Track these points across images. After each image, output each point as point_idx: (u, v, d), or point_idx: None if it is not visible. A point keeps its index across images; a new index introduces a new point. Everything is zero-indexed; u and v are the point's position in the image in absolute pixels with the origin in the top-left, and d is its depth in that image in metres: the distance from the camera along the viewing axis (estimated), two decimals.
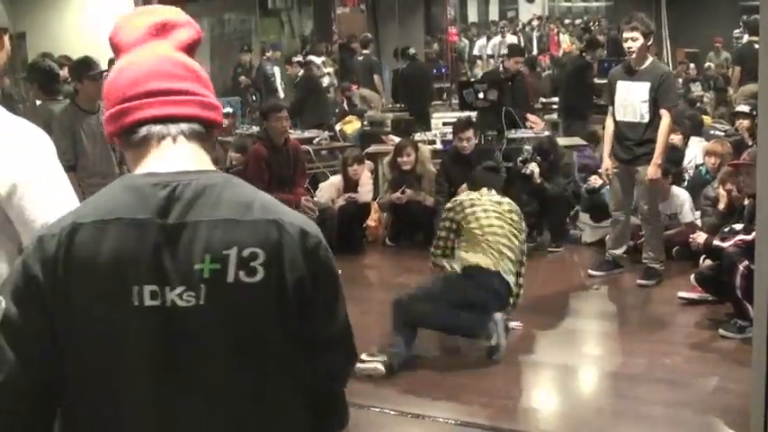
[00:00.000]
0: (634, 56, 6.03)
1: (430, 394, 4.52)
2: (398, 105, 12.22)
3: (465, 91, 8.39)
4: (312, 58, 13.12)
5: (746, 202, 5.50)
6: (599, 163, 6.95)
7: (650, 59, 6.18)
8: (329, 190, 7.74)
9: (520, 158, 7.32)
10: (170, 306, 1.35)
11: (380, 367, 4.61)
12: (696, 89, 12.76)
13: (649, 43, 6.14)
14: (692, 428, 4.16)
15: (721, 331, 5.11)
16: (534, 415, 4.40)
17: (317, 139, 9.23)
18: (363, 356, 4.58)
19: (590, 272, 6.53)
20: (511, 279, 4.96)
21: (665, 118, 5.96)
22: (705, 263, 5.64)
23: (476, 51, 18.29)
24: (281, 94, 12.44)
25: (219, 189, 1.40)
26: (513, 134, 8.03)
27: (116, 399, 1.38)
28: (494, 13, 22.03)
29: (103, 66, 5.74)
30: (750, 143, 7.03)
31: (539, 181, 7.14)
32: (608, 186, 6.66)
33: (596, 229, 7.30)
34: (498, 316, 4.88)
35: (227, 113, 9.98)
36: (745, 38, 12.41)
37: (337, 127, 10.54)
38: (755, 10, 10.89)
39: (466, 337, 4.95)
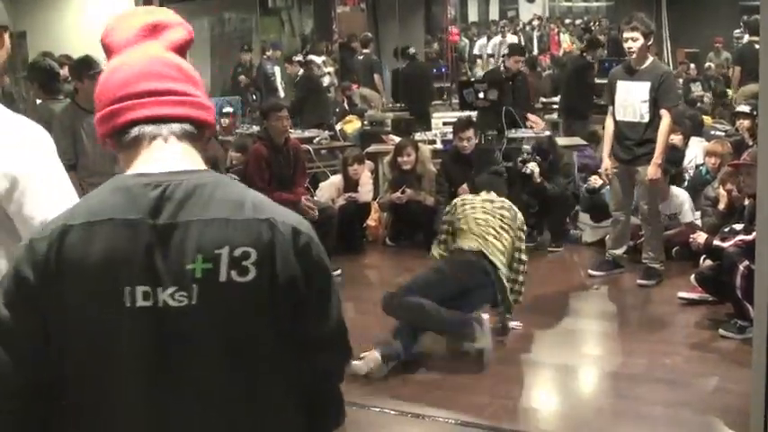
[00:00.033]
0: (634, 56, 6.03)
1: (430, 394, 4.52)
2: (398, 105, 12.22)
3: (465, 90, 8.39)
4: (312, 57, 13.12)
5: (747, 202, 5.50)
6: (599, 163, 6.96)
7: (650, 59, 6.18)
8: (329, 189, 7.73)
9: (520, 159, 7.32)
10: (162, 306, 1.36)
11: (371, 367, 4.60)
12: (696, 89, 12.76)
13: (649, 43, 6.14)
14: (691, 428, 4.16)
15: (721, 331, 5.11)
16: (534, 415, 4.40)
17: (317, 139, 9.23)
18: (362, 356, 4.58)
19: (590, 272, 6.53)
20: (499, 264, 4.93)
21: (666, 118, 5.96)
22: (705, 263, 5.64)
23: (476, 51, 18.28)
24: (282, 94, 12.43)
25: (211, 189, 1.40)
26: (513, 134, 8.03)
27: (109, 399, 1.38)
28: (494, 13, 22.03)
29: (104, 65, 5.74)
30: (750, 143, 7.03)
31: (539, 180, 7.14)
32: (608, 186, 6.66)
33: (596, 229, 7.30)
34: (484, 318, 4.91)
35: (227, 113, 10.01)
36: (746, 38, 12.41)
37: (337, 126, 10.54)
38: (756, 10, 10.90)
39: (451, 333, 4.92)
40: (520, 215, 5.27)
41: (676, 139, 7.39)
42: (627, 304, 6.23)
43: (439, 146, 8.45)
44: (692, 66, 14.64)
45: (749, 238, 4.79)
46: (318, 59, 13.25)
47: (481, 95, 8.13)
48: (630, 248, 6.54)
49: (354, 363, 4.60)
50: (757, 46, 3.28)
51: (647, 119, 6.00)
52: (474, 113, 8.21)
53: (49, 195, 1.88)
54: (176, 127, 1.44)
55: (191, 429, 1.39)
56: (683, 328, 5.50)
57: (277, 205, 1.47)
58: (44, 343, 1.38)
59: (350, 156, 7.77)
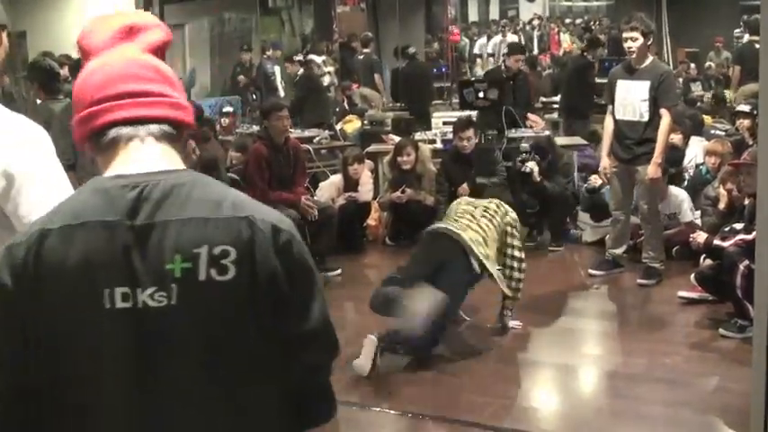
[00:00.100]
0: (634, 55, 6.03)
1: (430, 394, 4.52)
2: (398, 104, 12.21)
3: (465, 90, 8.39)
4: (312, 56, 13.12)
5: (747, 201, 5.50)
6: (599, 162, 6.95)
7: (650, 58, 6.18)
8: (329, 189, 7.73)
9: (519, 159, 7.32)
10: (142, 307, 1.36)
11: (366, 366, 4.61)
12: (696, 89, 12.76)
13: (649, 43, 6.14)
14: (691, 428, 4.16)
15: (721, 331, 5.11)
16: (534, 415, 4.40)
17: (317, 139, 9.22)
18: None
19: (590, 271, 6.53)
20: (465, 236, 4.93)
21: (665, 117, 5.96)
22: (705, 262, 5.64)
23: (476, 50, 18.29)
24: (282, 93, 12.43)
25: (188, 188, 1.40)
26: (513, 133, 8.03)
27: (90, 401, 1.38)
28: (494, 13, 22.04)
29: None
30: (750, 143, 7.02)
31: (538, 179, 7.14)
32: (608, 186, 6.66)
33: (596, 228, 7.30)
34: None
35: (227, 112, 10.02)
36: (746, 37, 12.40)
37: (337, 126, 10.53)
38: (756, 9, 10.90)
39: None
40: (512, 213, 5.25)
41: (676, 138, 7.38)
42: (627, 304, 6.23)
43: (439, 145, 8.44)
44: (693, 65, 14.64)
45: (749, 237, 4.79)
46: (318, 59, 13.26)
47: (481, 95, 8.13)
48: (630, 248, 6.54)
49: (355, 362, 4.61)
50: (757, 45, 3.28)
51: (646, 118, 6.00)
52: (474, 113, 8.21)
53: (47, 195, 1.88)
54: (154, 128, 1.44)
55: (172, 429, 1.39)
56: (683, 327, 5.50)
57: (257, 203, 1.46)
58: (23, 347, 1.38)
59: (350, 155, 7.77)
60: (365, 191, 7.61)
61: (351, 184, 7.61)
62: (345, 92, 12.62)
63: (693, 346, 5.18)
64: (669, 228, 6.66)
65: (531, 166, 7.15)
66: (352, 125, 10.71)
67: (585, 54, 10.81)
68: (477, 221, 5.08)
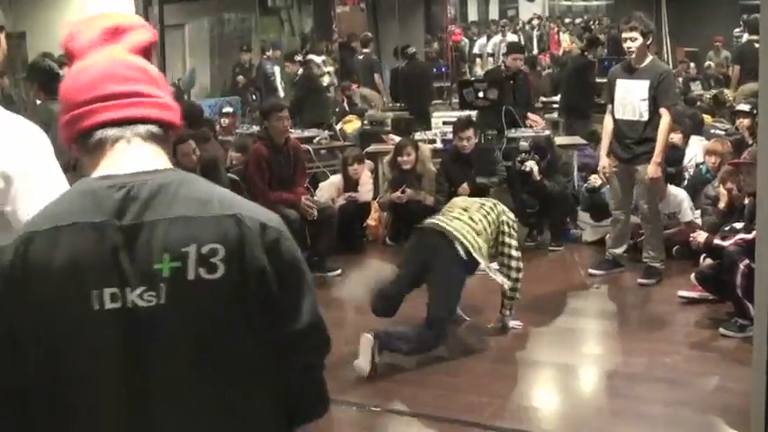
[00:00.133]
0: (633, 55, 6.03)
1: (430, 394, 4.51)
2: (397, 104, 12.21)
3: (465, 90, 8.38)
4: (312, 56, 13.11)
5: (747, 200, 5.50)
6: (599, 162, 6.95)
7: (650, 58, 6.17)
8: (329, 189, 7.73)
9: (518, 158, 7.32)
10: (131, 307, 1.36)
11: (365, 366, 4.61)
12: (696, 88, 12.76)
13: (649, 42, 6.13)
14: (691, 428, 4.16)
15: (722, 330, 5.11)
16: (534, 414, 4.40)
17: (317, 139, 9.22)
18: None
19: (590, 271, 6.53)
20: (463, 233, 4.92)
21: (665, 117, 5.96)
22: (705, 262, 5.64)
23: (476, 50, 18.30)
24: (281, 94, 12.43)
25: (175, 187, 1.40)
26: (513, 133, 8.03)
27: (80, 402, 1.38)
28: (494, 12, 22.06)
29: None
30: (750, 142, 7.02)
31: (538, 178, 7.14)
32: (608, 185, 6.66)
33: (596, 228, 7.29)
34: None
35: (227, 113, 10.01)
36: (745, 36, 12.41)
37: (337, 126, 10.53)
38: (755, 9, 10.90)
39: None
40: (509, 214, 5.23)
41: (676, 137, 7.38)
42: (627, 303, 6.23)
43: (439, 145, 8.44)
44: (692, 64, 14.64)
45: (749, 236, 4.79)
46: (318, 59, 13.24)
47: (481, 95, 8.13)
48: (630, 247, 6.54)
49: (355, 363, 4.61)
50: (757, 45, 3.28)
51: (646, 117, 6.00)
52: (474, 113, 8.21)
53: (45, 195, 1.88)
54: (141, 128, 1.44)
55: (162, 429, 1.39)
56: (684, 326, 5.50)
57: (245, 201, 1.46)
58: (11, 349, 1.38)
59: (350, 155, 7.77)
60: (365, 191, 7.61)
61: (351, 184, 7.61)
62: (345, 92, 12.61)
63: (694, 345, 5.18)
64: (669, 227, 6.66)
65: (531, 165, 7.15)
66: (351, 125, 10.71)
67: (585, 53, 10.80)
68: (470, 214, 5.08)
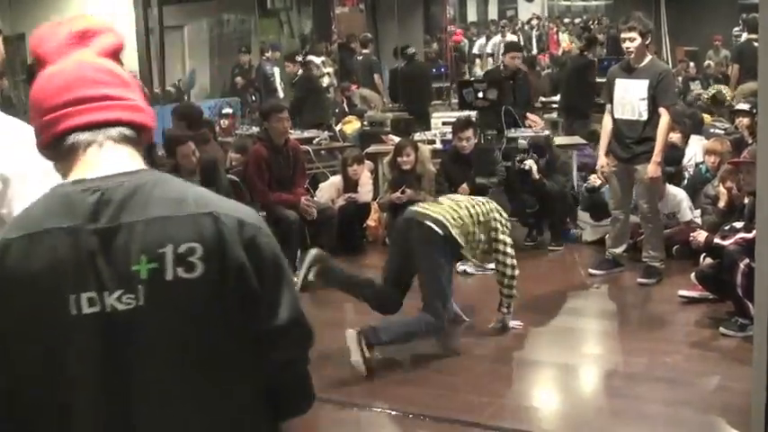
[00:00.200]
0: (632, 56, 6.03)
1: (430, 394, 4.51)
2: (396, 105, 12.21)
3: (465, 90, 8.38)
4: (311, 57, 13.11)
5: (747, 200, 5.50)
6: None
7: (649, 57, 6.17)
8: (329, 190, 7.73)
9: (517, 158, 7.32)
10: (110, 311, 1.35)
11: (359, 361, 4.62)
12: (696, 87, 12.75)
13: (647, 42, 6.13)
14: (692, 427, 4.15)
15: (722, 329, 5.11)
16: (534, 414, 4.40)
17: (316, 140, 9.22)
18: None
19: (590, 271, 6.53)
20: (443, 213, 4.94)
21: (664, 116, 5.96)
22: (706, 261, 5.63)
23: (475, 50, 18.30)
24: (281, 95, 12.43)
25: (150, 188, 1.39)
26: (512, 133, 8.03)
27: (63, 409, 1.38)
28: (493, 13, 22.06)
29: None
30: (750, 141, 7.03)
31: (537, 177, 7.14)
32: (608, 185, 6.66)
33: (596, 227, 7.30)
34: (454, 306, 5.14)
35: (226, 114, 10.01)
36: (744, 36, 12.41)
37: (337, 127, 10.53)
38: (755, 8, 10.88)
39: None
40: (502, 213, 5.22)
41: (675, 137, 7.38)
42: (627, 303, 6.23)
43: (438, 146, 8.43)
44: (692, 64, 14.64)
45: (749, 235, 4.79)
46: (317, 60, 13.24)
47: (480, 95, 8.12)
48: (630, 247, 6.53)
49: (351, 360, 4.61)
50: (756, 44, 3.27)
51: (645, 117, 6.00)
52: (473, 113, 8.21)
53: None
54: (113, 131, 1.43)
55: (144, 430, 1.38)
56: (684, 326, 5.50)
57: (222, 198, 1.46)
58: None
59: (349, 156, 7.77)
60: (365, 192, 7.61)
61: (350, 184, 7.61)
62: (344, 93, 12.61)
63: (694, 344, 5.18)
64: (668, 227, 6.66)
65: (530, 163, 7.16)
66: (351, 126, 10.71)
67: (586, 53, 10.80)
68: (455, 201, 5.13)
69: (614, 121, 6.18)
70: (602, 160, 6.31)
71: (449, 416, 4.26)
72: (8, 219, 1.89)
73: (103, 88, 1.44)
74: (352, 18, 15.91)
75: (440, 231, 4.86)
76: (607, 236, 6.63)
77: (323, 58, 13.84)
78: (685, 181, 7.40)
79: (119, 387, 1.36)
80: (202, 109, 8.77)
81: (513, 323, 5.30)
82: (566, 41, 19.62)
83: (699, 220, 6.65)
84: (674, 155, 7.21)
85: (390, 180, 7.64)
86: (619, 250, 6.46)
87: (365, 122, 10.79)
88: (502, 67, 9.59)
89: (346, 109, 12.07)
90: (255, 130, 8.75)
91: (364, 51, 13.19)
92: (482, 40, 18.47)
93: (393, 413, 4.32)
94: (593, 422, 4.28)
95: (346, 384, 4.59)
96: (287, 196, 6.71)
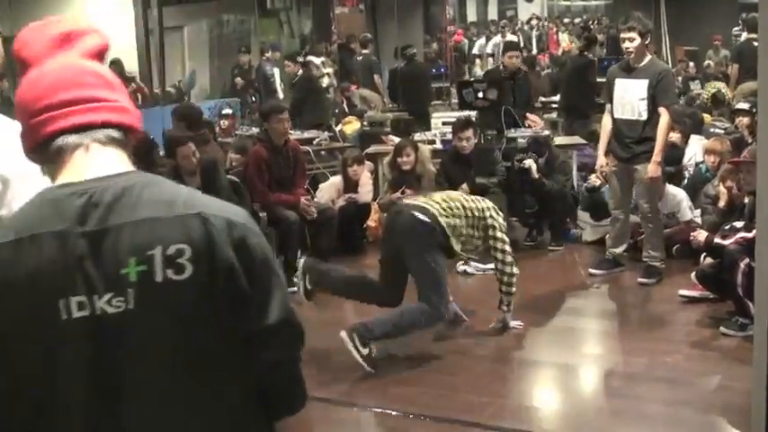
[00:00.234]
0: (632, 56, 6.03)
1: (430, 394, 4.51)
2: (396, 105, 12.21)
3: (464, 90, 8.38)
4: (311, 58, 13.12)
5: (747, 199, 5.50)
6: None
7: (649, 57, 6.18)
8: (329, 190, 7.73)
9: (517, 157, 7.32)
10: (100, 314, 1.34)
11: (360, 361, 4.63)
12: (696, 87, 12.75)
13: (647, 42, 6.14)
14: (692, 427, 4.15)
15: (722, 329, 5.11)
16: (534, 414, 4.40)
17: (316, 140, 9.21)
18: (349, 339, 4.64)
19: (590, 270, 6.53)
20: (428, 202, 4.95)
21: (664, 116, 5.96)
22: (706, 261, 5.63)
23: (475, 50, 18.30)
24: (281, 95, 12.43)
25: (138, 189, 1.39)
26: (512, 133, 8.03)
27: (55, 415, 1.37)
28: (492, 13, 22.05)
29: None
30: (750, 140, 7.02)
31: (536, 176, 7.14)
32: (608, 185, 6.66)
33: (596, 227, 7.29)
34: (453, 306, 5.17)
35: (226, 114, 10.01)
36: (744, 35, 12.41)
37: (337, 127, 10.53)
38: (754, 7, 10.87)
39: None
40: (497, 210, 5.21)
41: (675, 137, 7.38)
42: (627, 303, 6.23)
43: (438, 146, 8.43)
44: (692, 64, 14.63)
45: (750, 235, 4.78)
46: (317, 60, 13.24)
47: (480, 95, 8.12)
48: (630, 247, 6.53)
49: (355, 356, 4.62)
50: (756, 43, 3.27)
51: (645, 116, 6.00)
52: (473, 113, 8.21)
53: None
54: (99, 134, 1.43)
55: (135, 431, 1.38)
56: (684, 326, 5.50)
57: (212, 199, 1.45)
58: None
59: (349, 157, 7.77)
60: (365, 192, 7.61)
61: (350, 185, 7.61)
62: (344, 93, 12.61)
63: (694, 344, 5.18)
64: (668, 226, 6.66)
65: (529, 162, 7.16)
66: (351, 126, 10.71)
67: (586, 53, 10.79)
68: (447, 195, 5.15)
69: (614, 120, 6.18)
70: (602, 160, 6.32)
71: (449, 416, 4.26)
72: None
73: (89, 90, 1.43)
74: (351, 18, 15.91)
75: (425, 219, 4.83)
76: (607, 236, 6.63)
77: (323, 59, 13.84)
78: (685, 180, 7.40)
79: (109, 390, 1.36)
80: (202, 110, 8.77)
81: (513, 323, 5.29)
82: (565, 41, 19.61)
83: (699, 220, 6.65)
84: (673, 154, 7.21)
85: (390, 180, 7.64)
86: (619, 250, 6.46)
87: (365, 123, 10.79)
88: (501, 68, 9.59)
89: (346, 109, 12.06)
90: (255, 130, 8.75)
91: (364, 52, 13.19)
92: (482, 41, 18.47)
93: (393, 413, 4.32)
94: (593, 422, 4.28)
95: (346, 384, 4.59)
96: (287, 197, 6.71)
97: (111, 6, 11.11)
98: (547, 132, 8.34)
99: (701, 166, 7.40)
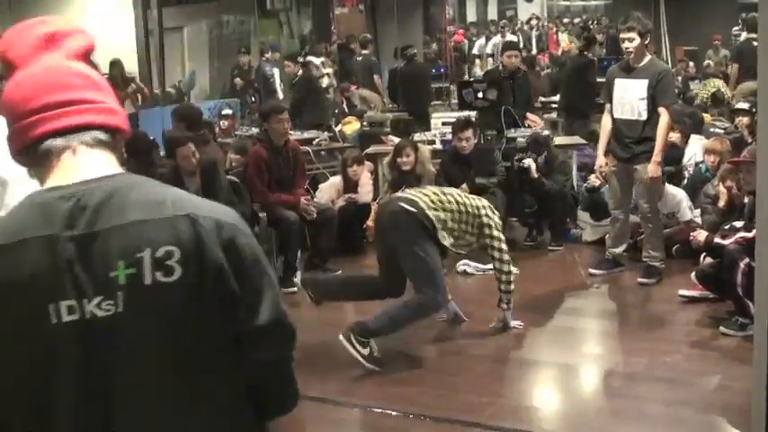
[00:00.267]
0: (632, 56, 6.03)
1: (430, 394, 4.51)
2: (396, 105, 12.21)
3: (464, 90, 8.38)
4: (311, 58, 13.12)
5: (746, 199, 5.50)
6: None
7: (648, 57, 6.18)
8: (329, 191, 7.73)
9: (516, 157, 7.33)
10: (90, 318, 1.34)
11: (363, 362, 4.64)
12: (695, 87, 12.75)
13: (647, 42, 6.14)
14: (692, 427, 4.15)
15: (722, 329, 5.11)
16: (534, 414, 4.40)
17: (316, 140, 9.21)
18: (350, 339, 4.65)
19: (590, 270, 6.53)
20: (416, 194, 4.96)
21: (664, 116, 5.96)
22: (706, 261, 5.63)
23: (475, 51, 18.30)
24: (280, 95, 12.43)
25: (126, 191, 1.38)
26: (512, 133, 8.03)
27: (47, 419, 1.37)
28: (492, 13, 22.08)
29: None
30: (750, 140, 7.02)
31: (536, 176, 7.15)
32: (608, 185, 6.66)
33: (596, 227, 7.29)
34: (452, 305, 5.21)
35: (226, 115, 10.02)
36: (744, 35, 12.42)
37: (337, 128, 10.53)
38: (754, 7, 10.87)
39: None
40: (493, 209, 5.20)
41: (675, 137, 7.38)
42: (627, 303, 6.23)
43: (438, 146, 8.44)
44: (691, 63, 14.64)
45: (749, 235, 4.79)
46: (317, 60, 13.24)
47: (480, 95, 8.13)
48: (630, 247, 6.53)
49: (349, 350, 4.62)
50: (755, 43, 3.28)
51: (645, 116, 6.00)
52: (473, 113, 8.21)
53: None
54: (86, 136, 1.42)
55: None
56: (684, 326, 5.50)
57: (200, 199, 1.44)
58: None
59: (349, 157, 7.77)
60: (365, 192, 7.61)
61: (350, 185, 7.61)
62: (344, 93, 12.60)
63: (694, 344, 5.18)
64: (668, 226, 6.66)
65: (529, 162, 7.16)
66: (351, 126, 10.71)
67: (585, 53, 10.79)
68: (441, 190, 5.15)
69: (614, 120, 6.18)
70: (601, 160, 6.32)
71: (449, 416, 4.26)
72: None
73: (75, 92, 1.42)
74: (351, 19, 15.91)
75: (412, 209, 4.82)
76: (607, 236, 6.63)
77: (322, 59, 13.83)
78: (685, 180, 7.40)
79: (99, 394, 1.35)
80: (202, 110, 8.77)
81: (514, 323, 5.29)
82: (565, 41, 19.62)
83: (699, 220, 6.65)
84: (673, 154, 7.21)
85: (390, 181, 7.64)
86: (619, 250, 6.46)
87: (365, 123, 10.78)
88: (500, 67, 9.59)
89: (346, 110, 12.05)
90: (255, 131, 8.75)
91: (364, 52, 13.19)
92: (482, 41, 18.47)
93: (393, 413, 4.32)
94: (593, 422, 4.28)
95: (346, 384, 4.59)
96: (287, 197, 6.71)
97: (111, 7, 11.11)
98: (546, 132, 8.34)
99: (700, 165, 7.40)
